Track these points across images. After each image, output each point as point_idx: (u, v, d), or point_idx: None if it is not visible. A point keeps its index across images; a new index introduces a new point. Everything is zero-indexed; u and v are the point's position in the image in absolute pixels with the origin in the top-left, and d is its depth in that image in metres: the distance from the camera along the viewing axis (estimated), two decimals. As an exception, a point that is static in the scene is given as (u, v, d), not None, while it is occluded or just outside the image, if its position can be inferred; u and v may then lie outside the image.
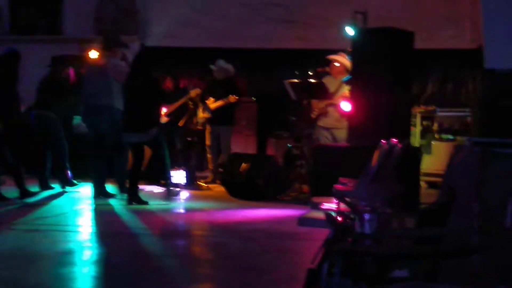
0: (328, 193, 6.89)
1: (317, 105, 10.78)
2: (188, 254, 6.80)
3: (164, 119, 11.20)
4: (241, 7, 14.08)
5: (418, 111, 12.48)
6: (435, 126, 12.49)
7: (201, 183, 11.72)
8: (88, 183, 10.68)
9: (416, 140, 12.22)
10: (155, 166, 10.74)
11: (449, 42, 13.42)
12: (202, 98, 11.99)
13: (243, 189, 10.44)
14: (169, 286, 5.53)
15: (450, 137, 12.08)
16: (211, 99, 11.95)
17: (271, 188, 10.36)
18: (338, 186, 6.84)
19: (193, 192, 11.13)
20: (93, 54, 10.52)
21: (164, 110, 10.85)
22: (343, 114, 10.18)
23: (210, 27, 14.00)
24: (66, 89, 10.99)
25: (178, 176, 11.44)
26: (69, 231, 7.78)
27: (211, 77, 12.43)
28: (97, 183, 10.12)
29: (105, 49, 10.32)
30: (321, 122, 10.80)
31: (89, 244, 7.12)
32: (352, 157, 8.62)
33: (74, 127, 12.56)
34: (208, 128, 12.23)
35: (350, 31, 9.90)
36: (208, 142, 12.30)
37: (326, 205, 7.24)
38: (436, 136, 12.23)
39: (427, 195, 9.64)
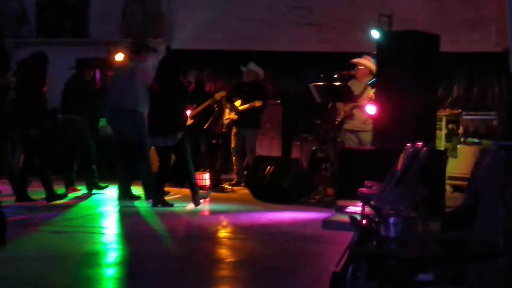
0: (353, 196, 6.90)
1: (343, 108, 10.78)
2: (212, 256, 6.81)
3: (189, 122, 11.22)
4: (266, 10, 14.11)
5: (443, 114, 12.44)
6: (461, 130, 12.43)
7: (225, 186, 11.74)
8: (114, 185, 10.74)
9: (441, 143, 12.18)
10: (180, 169, 10.77)
11: (475, 46, 13.36)
12: (230, 99, 12.01)
13: (268, 191, 10.44)
14: (193, 288, 5.56)
15: (476, 140, 11.99)
16: (239, 100, 11.97)
17: (295, 191, 10.35)
18: (363, 189, 6.84)
19: (217, 194, 11.14)
20: (119, 56, 10.58)
21: (188, 113, 10.89)
22: (369, 116, 10.16)
23: (235, 30, 14.04)
24: (90, 92, 11.04)
25: (203, 179, 11.47)
26: (94, 233, 7.85)
27: (238, 79, 12.45)
28: (122, 185, 10.18)
29: (133, 53, 10.35)
30: (347, 125, 10.81)
31: (114, 246, 7.17)
32: (377, 160, 8.59)
33: (100, 130, 12.63)
34: (233, 131, 12.25)
35: (375, 34, 9.87)
36: (233, 144, 12.30)
37: (350, 208, 7.22)
38: (462, 139, 12.16)
39: (452, 199, 9.63)
